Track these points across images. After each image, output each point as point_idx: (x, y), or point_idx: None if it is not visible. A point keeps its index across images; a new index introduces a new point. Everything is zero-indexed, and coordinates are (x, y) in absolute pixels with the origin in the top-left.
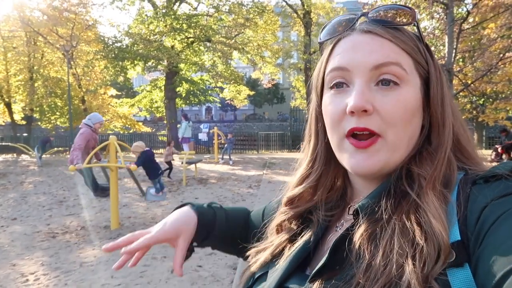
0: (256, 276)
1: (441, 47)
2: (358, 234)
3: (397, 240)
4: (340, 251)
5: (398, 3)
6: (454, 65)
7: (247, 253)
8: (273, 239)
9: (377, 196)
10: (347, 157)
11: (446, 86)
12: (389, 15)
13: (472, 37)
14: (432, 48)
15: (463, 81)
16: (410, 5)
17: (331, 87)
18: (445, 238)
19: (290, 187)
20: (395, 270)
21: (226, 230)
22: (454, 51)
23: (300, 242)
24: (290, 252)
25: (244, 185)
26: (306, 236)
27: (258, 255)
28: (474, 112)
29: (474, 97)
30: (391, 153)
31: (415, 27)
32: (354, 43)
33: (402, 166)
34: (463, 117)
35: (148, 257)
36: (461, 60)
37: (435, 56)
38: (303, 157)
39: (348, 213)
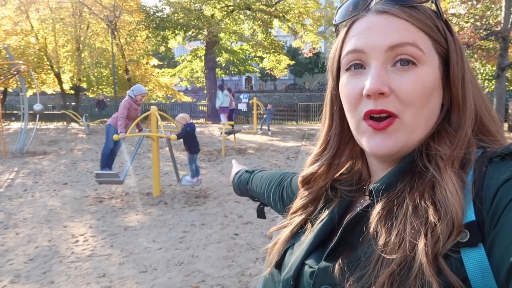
0: (284, 250)
1: (498, 12)
2: (374, 213)
3: (410, 220)
4: (357, 229)
5: None
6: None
7: (269, 232)
8: (293, 217)
9: (393, 176)
10: (366, 139)
11: (467, 64)
12: None
13: None
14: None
15: None
16: None
17: (348, 69)
18: (459, 214)
19: (306, 165)
20: (409, 249)
21: (257, 190)
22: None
23: (324, 216)
24: (314, 227)
25: (282, 156)
26: (329, 210)
27: (281, 232)
28: None
29: None
30: (409, 134)
31: (433, 4)
32: (369, 24)
33: (421, 145)
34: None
35: (187, 223)
36: None
37: (455, 33)
38: (318, 138)
39: (364, 194)
